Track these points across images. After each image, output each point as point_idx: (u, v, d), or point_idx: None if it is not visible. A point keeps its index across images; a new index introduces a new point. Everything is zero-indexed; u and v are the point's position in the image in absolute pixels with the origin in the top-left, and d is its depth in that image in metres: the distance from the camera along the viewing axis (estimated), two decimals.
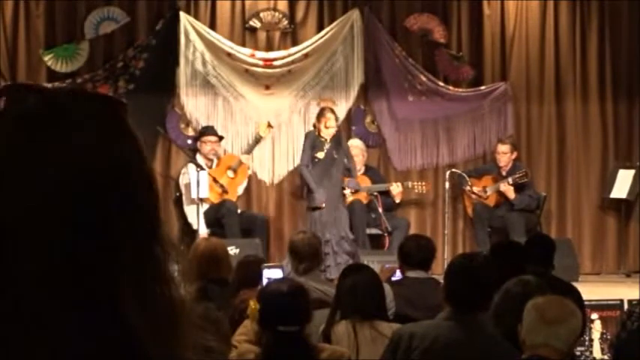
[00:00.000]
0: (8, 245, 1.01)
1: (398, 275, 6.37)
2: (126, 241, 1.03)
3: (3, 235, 1.01)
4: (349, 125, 11.01)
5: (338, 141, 9.80)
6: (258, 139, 10.76)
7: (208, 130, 10.45)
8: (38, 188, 1.01)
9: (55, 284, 1.00)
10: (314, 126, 9.91)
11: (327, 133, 9.70)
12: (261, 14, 10.96)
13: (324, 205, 9.62)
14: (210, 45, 10.78)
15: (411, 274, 5.88)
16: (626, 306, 7.44)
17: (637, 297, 6.36)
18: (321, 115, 9.83)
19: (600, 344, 7.80)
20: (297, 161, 10.99)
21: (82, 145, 1.03)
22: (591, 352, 7.78)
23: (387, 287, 5.89)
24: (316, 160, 9.73)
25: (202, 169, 9.78)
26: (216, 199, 10.17)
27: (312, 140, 9.77)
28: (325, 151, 9.71)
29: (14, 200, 1.01)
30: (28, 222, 1.01)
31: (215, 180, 10.22)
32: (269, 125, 10.74)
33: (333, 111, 9.94)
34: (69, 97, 1.08)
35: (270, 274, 7.04)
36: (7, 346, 0.99)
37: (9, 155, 1.02)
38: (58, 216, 1.01)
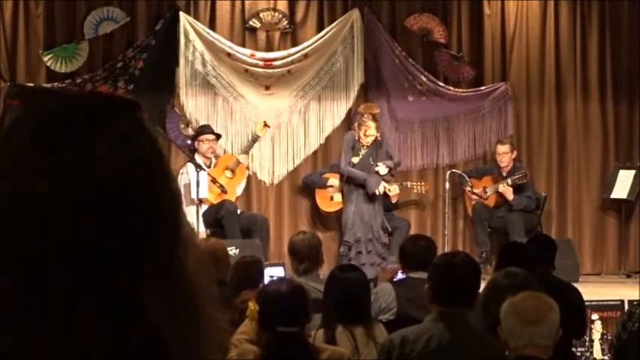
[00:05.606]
0: (32, 247, 1.00)
1: (400, 276, 6.35)
2: (148, 241, 1.03)
3: (27, 236, 1.00)
4: (349, 125, 11.00)
5: (377, 147, 9.72)
6: (255, 139, 10.74)
7: (205, 129, 10.43)
8: (58, 190, 1.01)
9: (79, 287, 1.00)
10: (354, 128, 9.85)
11: (366, 141, 9.64)
12: (261, 14, 10.95)
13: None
14: (210, 45, 10.76)
15: (414, 274, 5.86)
16: (626, 306, 7.43)
17: (637, 297, 6.34)
18: (361, 122, 9.71)
19: (601, 345, 7.80)
20: (297, 161, 10.96)
21: (101, 146, 1.03)
22: (592, 353, 7.78)
23: (389, 287, 5.88)
24: (351, 164, 9.69)
25: (202, 169, 9.76)
26: (215, 200, 10.14)
27: (351, 143, 9.71)
28: (361, 156, 9.66)
29: (35, 203, 1.01)
30: (49, 224, 1.00)
31: (214, 180, 10.19)
32: (265, 124, 10.71)
33: (374, 118, 9.80)
34: (86, 99, 1.09)
35: (272, 272, 7.03)
36: (34, 350, 0.99)
37: (29, 158, 1.03)
38: (78, 218, 1.01)
